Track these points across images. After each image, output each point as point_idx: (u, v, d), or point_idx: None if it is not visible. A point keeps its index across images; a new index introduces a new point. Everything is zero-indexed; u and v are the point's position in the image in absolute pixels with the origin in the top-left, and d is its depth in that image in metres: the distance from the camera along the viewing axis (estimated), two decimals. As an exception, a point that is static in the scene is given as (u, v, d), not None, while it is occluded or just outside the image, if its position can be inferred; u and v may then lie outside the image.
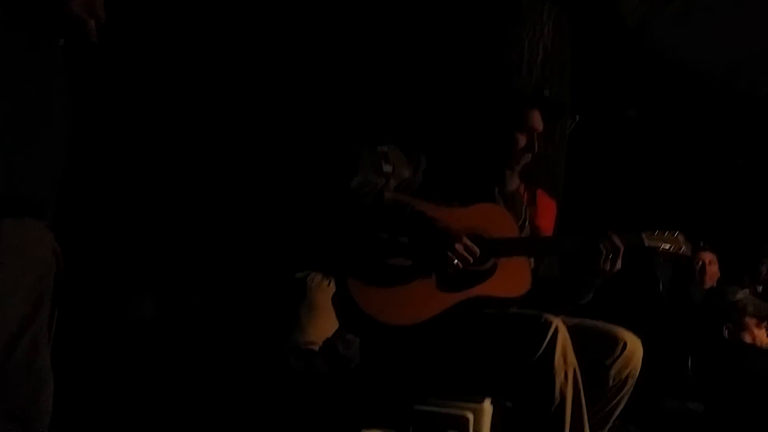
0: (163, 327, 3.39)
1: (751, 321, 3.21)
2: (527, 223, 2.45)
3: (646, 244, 2.25)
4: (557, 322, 1.98)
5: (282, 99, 4.20)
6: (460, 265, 2.06)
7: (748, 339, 3.16)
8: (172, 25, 3.99)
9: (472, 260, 2.07)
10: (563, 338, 1.96)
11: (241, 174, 4.03)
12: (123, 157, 3.91)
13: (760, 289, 4.08)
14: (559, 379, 1.94)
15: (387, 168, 2.19)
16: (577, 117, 4.12)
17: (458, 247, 2.05)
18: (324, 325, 2.90)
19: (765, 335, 3.21)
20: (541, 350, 1.94)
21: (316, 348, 2.90)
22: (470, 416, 2.01)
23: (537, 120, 2.27)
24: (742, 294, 3.30)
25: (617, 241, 2.15)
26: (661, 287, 3.12)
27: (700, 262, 4.11)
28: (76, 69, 1.66)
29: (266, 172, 3.97)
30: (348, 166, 2.13)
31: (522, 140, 2.26)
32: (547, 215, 3.58)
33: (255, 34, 4.15)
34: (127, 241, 3.81)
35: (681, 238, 2.30)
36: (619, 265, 2.16)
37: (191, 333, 3.32)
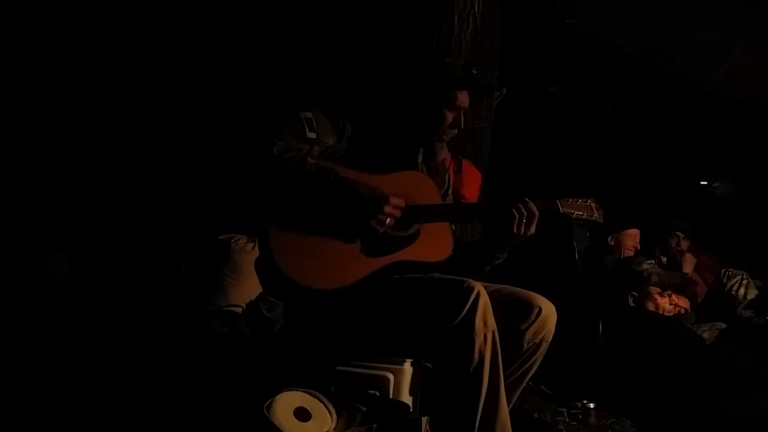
0: (77, 288, 3.30)
1: (654, 290, 3.37)
2: (450, 191, 2.50)
3: (561, 211, 2.34)
4: (479, 287, 2.04)
5: (207, 61, 4.12)
6: (391, 222, 2.09)
7: (651, 307, 3.32)
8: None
9: (398, 213, 2.10)
10: (484, 302, 2.02)
11: (165, 133, 3.94)
12: (40, 108, 3.77)
13: (664, 259, 4.27)
14: (479, 341, 2.00)
15: (311, 134, 2.19)
16: (504, 90, 4.19)
17: (387, 208, 2.08)
18: (248, 287, 2.89)
19: (668, 303, 3.39)
20: (462, 313, 2.00)
21: (239, 310, 2.90)
22: (391, 377, 2.06)
23: (465, 99, 2.31)
24: (647, 265, 3.44)
25: (532, 206, 2.23)
26: (576, 255, 3.23)
27: (636, 237, 4.27)
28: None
29: (190, 132, 3.90)
30: (270, 131, 2.12)
31: (450, 117, 2.31)
32: (472, 185, 3.64)
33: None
34: (41, 196, 3.69)
35: (593, 205, 2.40)
36: (533, 230, 2.24)
37: (108, 295, 3.25)
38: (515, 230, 2.22)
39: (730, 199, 5.22)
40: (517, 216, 2.22)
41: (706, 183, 5.22)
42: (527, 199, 2.24)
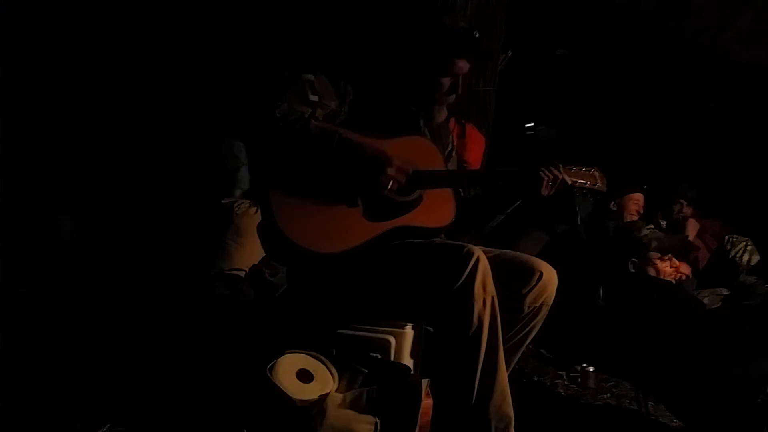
0: (83, 251, 3.32)
1: (654, 255, 3.38)
2: (454, 153, 2.49)
3: (566, 180, 2.33)
4: (478, 252, 2.04)
5: (211, 23, 4.08)
6: (394, 186, 2.09)
7: (652, 272, 3.33)
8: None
9: (403, 179, 2.10)
10: (484, 267, 2.03)
11: (170, 97, 3.93)
12: (46, 69, 3.76)
13: (663, 223, 4.26)
14: (478, 305, 2.01)
15: (313, 97, 2.16)
16: (510, 52, 4.15)
17: (389, 170, 2.07)
18: (250, 251, 2.91)
19: (668, 267, 3.39)
20: (462, 279, 2.00)
21: (243, 274, 2.92)
22: (392, 340, 2.07)
23: (463, 66, 2.27)
24: (646, 230, 3.43)
25: (557, 171, 2.26)
26: (579, 221, 3.23)
27: (638, 202, 4.26)
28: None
29: (195, 95, 3.89)
30: (272, 94, 2.10)
31: (446, 84, 2.28)
32: (475, 149, 3.65)
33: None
34: (49, 161, 3.69)
35: (597, 174, 2.39)
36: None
37: (112, 258, 3.27)
38: (542, 193, 2.26)
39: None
40: (545, 179, 2.25)
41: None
42: (557, 162, 2.28)
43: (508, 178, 2.33)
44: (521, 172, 2.29)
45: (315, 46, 3.67)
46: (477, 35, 2.24)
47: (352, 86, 2.25)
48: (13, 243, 3.14)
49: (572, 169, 2.36)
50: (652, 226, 3.53)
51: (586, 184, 2.36)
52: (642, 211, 4.24)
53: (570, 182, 2.32)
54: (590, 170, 2.39)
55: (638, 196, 4.21)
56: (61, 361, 2.57)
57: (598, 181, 2.38)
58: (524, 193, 2.31)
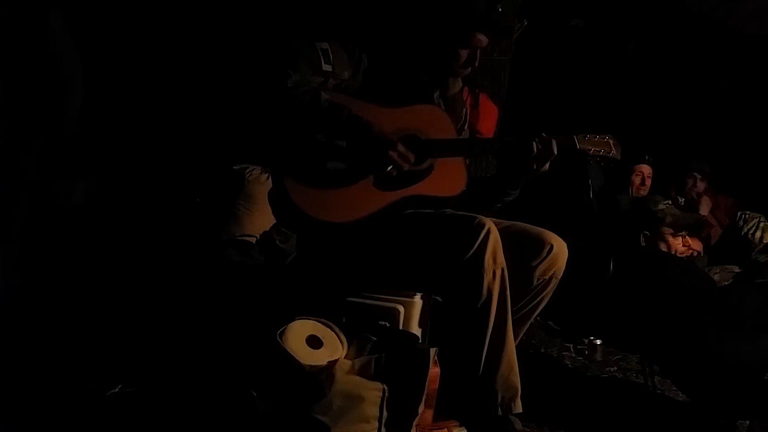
0: (95, 214, 3.32)
1: (667, 231, 3.37)
2: (466, 125, 2.47)
3: (578, 147, 2.29)
4: (489, 224, 2.04)
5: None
6: (394, 171, 2.09)
7: (663, 247, 3.33)
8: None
9: (407, 166, 2.10)
10: (494, 239, 2.03)
11: (182, 65, 3.91)
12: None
13: (681, 200, 4.24)
14: (488, 277, 2.02)
15: (326, 67, 2.15)
16: (525, 22, 4.10)
17: (392, 154, 2.08)
18: (261, 217, 2.92)
19: (680, 244, 3.39)
20: (472, 250, 2.01)
21: (253, 240, 2.93)
22: (401, 309, 2.08)
23: (483, 40, 2.24)
24: (663, 205, 3.42)
25: (552, 143, 2.21)
26: (591, 194, 3.21)
27: (641, 174, 4.23)
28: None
29: (207, 63, 3.87)
30: (285, 62, 2.09)
31: (464, 56, 2.25)
32: (488, 120, 3.63)
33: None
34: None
35: (611, 141, 2.35)
36: (547, 166, 2.22)
37: (125, 221, 3.28)
38: (531, 165, 2.21)
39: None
40: (535, 151, 2.19)
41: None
42: (545, 134, 2.22)
43: (509, 145, 2.29)
44: (516, 140, 2.25)
45: (332, 13, 3.62)
46: (500, 9, 2.21)
47: (367, 55, 2.23)
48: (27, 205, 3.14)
49: (586, 137, 2.31)
50: (669, 202, 3.52)
51: (600, 152, 2.32)
52: (648, 183, 4.21)
53: (579, 147, 2.28)
54: (604, 137, 2.34)
55: (641, 168, 4.17)
56: (72, 321, 2.59)
57: (613, 148, 2.34)
58: (517, 166, 2.26)
